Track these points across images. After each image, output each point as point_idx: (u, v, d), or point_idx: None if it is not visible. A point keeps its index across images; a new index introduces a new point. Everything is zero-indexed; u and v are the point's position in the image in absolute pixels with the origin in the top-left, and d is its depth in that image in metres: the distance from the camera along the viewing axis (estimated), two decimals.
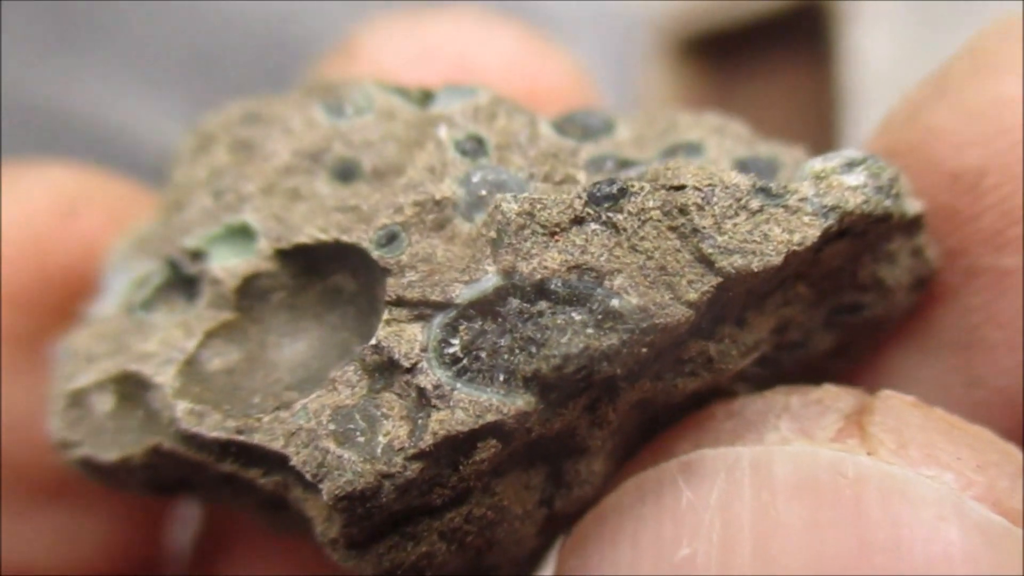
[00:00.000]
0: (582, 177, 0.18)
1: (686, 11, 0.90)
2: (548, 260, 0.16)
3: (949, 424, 0.17)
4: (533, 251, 0.16)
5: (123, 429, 0.18)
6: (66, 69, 0.99)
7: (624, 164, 0.18)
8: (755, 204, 0.16)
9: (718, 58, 0.91)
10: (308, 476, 0.16)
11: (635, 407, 0.18)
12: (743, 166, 0.18)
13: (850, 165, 0.17)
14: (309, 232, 0.18)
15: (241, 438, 0.17)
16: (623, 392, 0.17)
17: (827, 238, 0.17)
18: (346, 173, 0.19)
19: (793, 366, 0.20)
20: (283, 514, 0.20)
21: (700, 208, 0.16)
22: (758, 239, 0.16)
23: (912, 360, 0.20)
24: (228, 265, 0.19)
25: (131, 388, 0.19)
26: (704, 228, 0.16)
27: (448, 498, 0.17)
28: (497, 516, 0.17)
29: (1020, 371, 0.18)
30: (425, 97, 0.20)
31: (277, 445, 0.16)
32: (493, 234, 0.17)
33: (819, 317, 0.19)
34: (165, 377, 0.18)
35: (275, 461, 0.17)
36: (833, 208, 0.17)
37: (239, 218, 0.19)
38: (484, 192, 0.18)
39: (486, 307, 0.16)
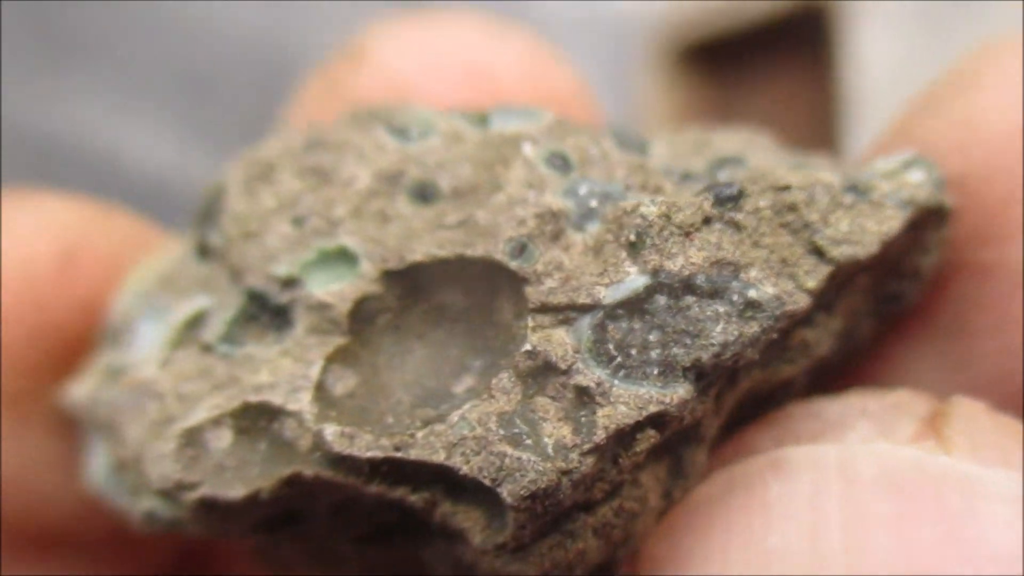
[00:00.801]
0: (668, 187, 0.19)
1: (683, 17, 0.90)
2: (692, 256, 0.17)
3: (1016, 429, 0.18)
4: (675, 250, 0.18)
5: (245, 464, 0.18)
6: (55, 91, 0.98)
7: (686, 176, 0.20)
8: (848, 200, 0.18)
9: (716, 64, 0.91)
10: (487, 482, 0.17)
11: (740, 396, 0.20)
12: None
13: (908, 164, 0.19)
14: (423, 250, 0.19)
15: (399, 455, 0.17)
16: (740, 380, 0.19)
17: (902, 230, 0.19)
18: (425, 194, 0.19)
19: (841, 356, 0.21)
20: (380, 547, 0.20)
21: (807, 205, 0.18)
22: (858, 231, 0.18)
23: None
24: (334, 290, 0.19)
25: (253, 420, 0.18)
26: (813, 222, 0.18)
27: (606, 492, 0.18)
28: (640, 508, 0.18)
29: (1003, 354, 0.20)
30: (481, 119, 0.21)
31: (438, 458, 0.17)
32: (632, 237, 0.18)
33: (869, 306, 0.21)
34: (300, 404, 0.18)
35: (426, 477, 0.17)
36: (909, 202, 0.19)
37: (335, 242, 0.19)
38: (594, 203, 0.19)
39: (633, 306, 0.17)
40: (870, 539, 0.16)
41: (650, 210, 0.18)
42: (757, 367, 0.19)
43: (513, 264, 0.18)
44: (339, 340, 0.18)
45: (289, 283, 0.19)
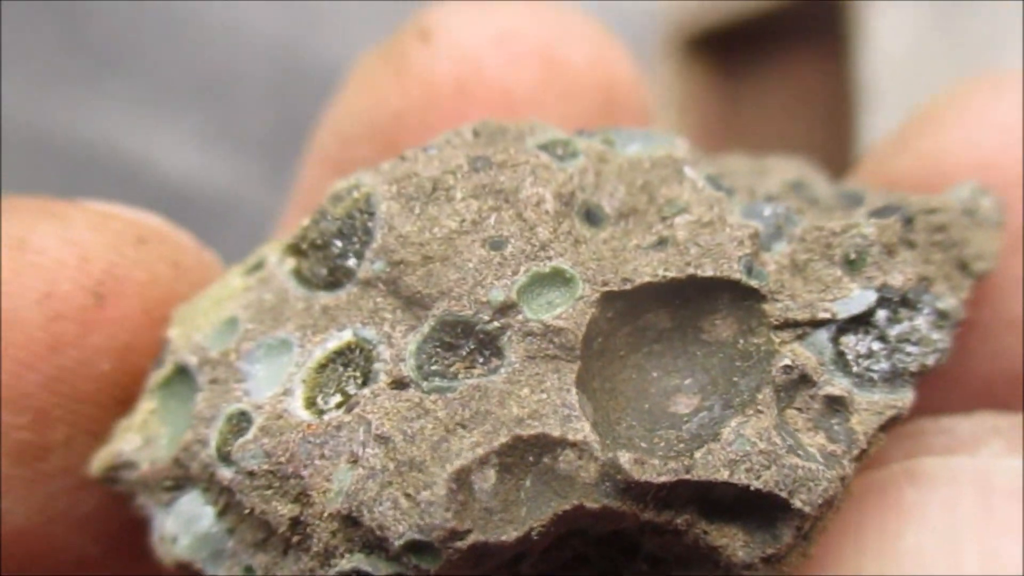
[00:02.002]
0: (811, 210, 0.21)
1: (694, 7, 0.90)
2: (908, 272, 0.19)
3: None
4: (890, 267, 0.19)
5: (511, 504, 0.17)
6: (88, 100, 1.01)
7: (770, 197, 0.21)
8: (968, 222, 0.20)
9: (726, 54, 0.91)
10: (783, 494, 0.17)
11: None
12: (850, 198, 0.21)
13: (976, 191, 0.21)
14: (649, 271, 0.18)
15: (688, 477, 0.17)
16: None
17: None
18: (591, 216, 0.19)
19: None
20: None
21: (953, 226, 0.20)
22: (985, 248, 0.20)
23: None
24: (563, 313, 0.18)
25: (520, 456, 0.17)
26: (958, 241, 0.20)
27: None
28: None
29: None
30: (608, 140, 0.21)
31: (721, 476, 0.17)
32: (852, 255, 0.19)
33: None
34: (582, 434, 0.17)
35: (684, 499, 0.17)
36: (998, 222, 0.20)
37: (549, 265, 0.18)
38: (781, 224, 0.19)
39: (860, 319, 0.18)
40: (1003, 547, 0.18)
41: (869, 231, 0.19)
42: None
43: (753, 283, 0.18)
44: (574, 365, 0.18)
45: (504, 308, 0.18)
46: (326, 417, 0.18)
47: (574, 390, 0.17)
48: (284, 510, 0.18)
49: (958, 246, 0.20)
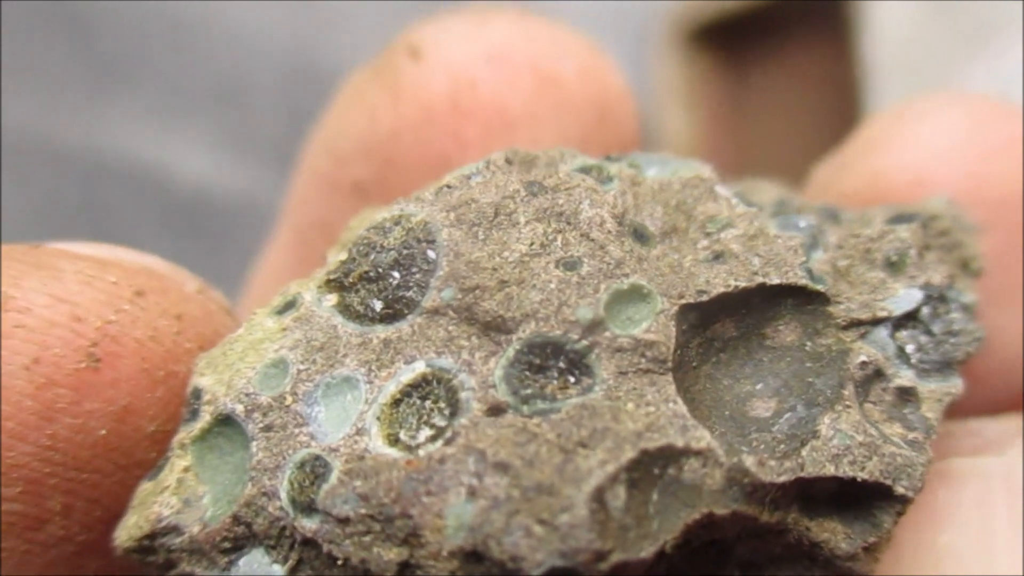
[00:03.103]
0: (829, 228, 0.22)
1: None
2: (943, 271, 0.20)
3: None
4: (925, 267, 0.20)
5: (642, 519, 0.17)
6: (98, 110, 1.02)
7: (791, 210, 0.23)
8: (958, 226, 0.22)
9: (731, 46, 0.91)
10: (887, 482, 0.18)
11: None
12: (828, 212, 0.22)
13: (952, 202, 0.22)
14: (722, 282, 0.19)
15: (803, 474, 0.18)
16: None
17: None
18: (640, 236, 0.20)
19: None
20: None
21: (953, 230, 0.21)
22: (977, 250, 0.22)
23: None
24: (654, 327, 0.18)
25: (645, 470, 0.17)
26: (958, 243, 0.21)
27: None
28: None
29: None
30: (633, 164, 0.21)
31: (830, 471, 0.18)
32: (894, 258, 0.20)
33: None
34: (705, 442, 0.17)
35: (790, 497, 0.18)
36: (976, 227, 0.22)
37: (628, 282, 0.18)
38: (816, 234, 0.21)
39: (909, 316, 0.20)
40: None
41: (906, 235, 0.21)
42: None
43: (819, 287, 0.20)
44: (668, 377, 0.18)
45: (592, 327, 0.18)
46: (421, 452, 0.17)
47: (680, 400, 0.18)
48: (390, 555, 0.17)
49: (959, 248, 0.21)
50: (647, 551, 0.17)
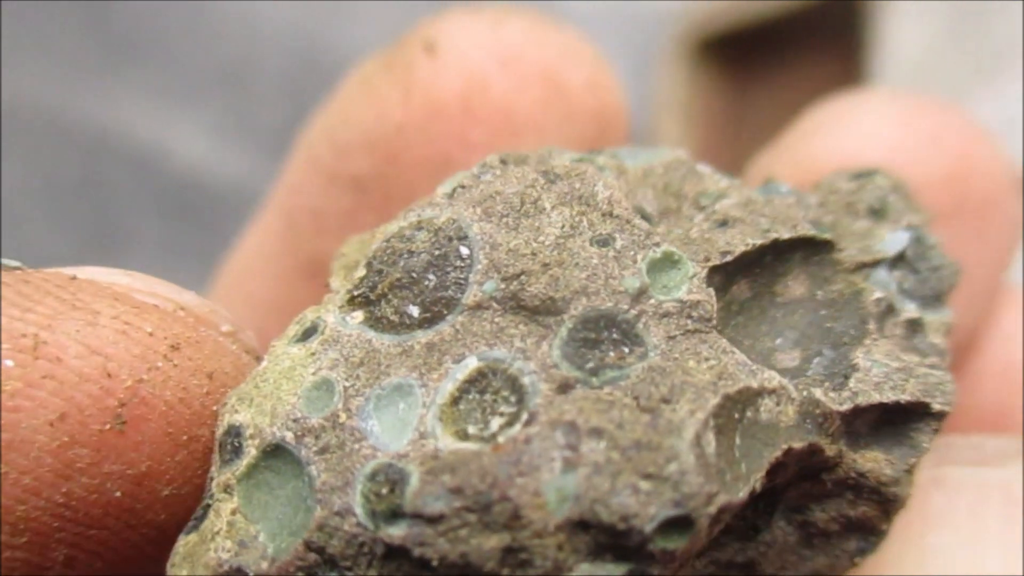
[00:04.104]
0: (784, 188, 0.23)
1: (705, 10, 0.90)
2: (921, 212, 0.22)
3: None
4: (903, 210, 0.22)
5: (732, 462, 0.18)
6: (104, 88, 1.02)
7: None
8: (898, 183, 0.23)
9: (737, 58, 0.91)
10: (927, 400, 0.19)
11: None
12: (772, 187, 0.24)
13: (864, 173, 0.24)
14: (741, 242, 0.20)
15: (858, 402, 0.19)
16: None
17: None
18: (644, 216, 0.20)
19: None
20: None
21: (903, 182, 0.23)
22: (919, 204, 0.23)
23: None
24: (695, 288, 0.19)
25: (728, 415, 0.18)
26: (909, 194, 0.23)
27: None
28: None
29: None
30: (614, 156, 0.22)
31: (876, 399, 0.19)
32: (877, 205, 0.22)
33: None
34: (776, 380, 0.18)
35: (840, 432, 0.19)
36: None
37: (660, 250, 0.19)
38: (799, 197, 0.22)
39: (899, 256, 0.21)
40: None
41: (884, 183, 0.22)
42: None
43: (827, 235, 0.21)
44: (714, 335, 0.19)
45: (639, 295, 0.18)
46: (501, 439, 0.17)
47: (737, 350, 0.18)
48: (491, 542, 0.16)
49: (883, 201, 0.23)
50: (744, 491, 0.17)
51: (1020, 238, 0.27)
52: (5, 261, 0.18)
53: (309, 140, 0.27)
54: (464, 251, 0.19)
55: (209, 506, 0.18)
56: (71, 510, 0.17)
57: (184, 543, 0.18)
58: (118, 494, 0.17)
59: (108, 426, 0.17)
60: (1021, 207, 0.26)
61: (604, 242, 0.19)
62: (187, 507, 0.19)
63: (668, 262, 0.19)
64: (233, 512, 0.18)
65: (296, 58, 1.05)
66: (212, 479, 0.18)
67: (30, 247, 0.98)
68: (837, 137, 0.25)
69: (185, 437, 0.18)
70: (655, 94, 0.93)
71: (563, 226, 0.19)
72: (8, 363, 0.16)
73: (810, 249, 0.20)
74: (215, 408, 0.19)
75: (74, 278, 0.18)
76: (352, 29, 1.04)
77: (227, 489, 0.18)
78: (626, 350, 0.18)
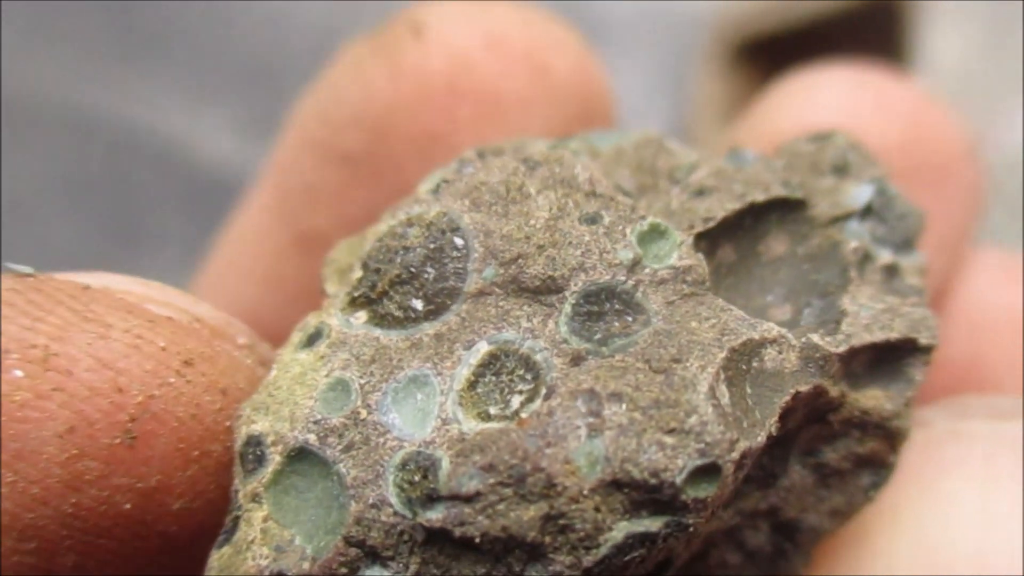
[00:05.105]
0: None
1: (740, 13, 0.89)
2: (881, 165, 0.23)
3: None
4: (864, 165, 0.22)
5: (746, 410, 0.18)
6: (129, 81, 1.02)
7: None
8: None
9: (775, 60, 0.90)
10: (912, 335, 0.20)
11: None
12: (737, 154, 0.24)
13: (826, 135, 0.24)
14: (721, 208, 0.20)
15: (852, 343, 0.19)
16: None
17: None
18: (623, 191, 0.21)
19: None
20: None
21: (860, 142, 0.23)
22: (874, 159, 0.24)
23: None
24: (685, 254, 0.19)
25: (736, 367, 0.18)
26: (875, 176, 0.23)
27: None
28: None
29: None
30: (585, 140, 0.23)
31: (871, 338, 0.20)
32: (840, 163, 0.22)
33: None
34: (775, 331, 0.19)
35: (840, 374, 0.20)
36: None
37: (646, 223, 0.20)
38: (765, 163, 0.22)
39: (866, 208, 0.22)
40: None
41: (842, 141, 0.23)
42: None
43: (798, 194, 0.21)
44: (710, 296, 0.19)
45: (633, 266, 0.19)
46: (524, 414, 0.17)
47: (733, 308, 0.19)
48: (531, 512, 0.17)
49: (869, 154, 0.23)
50: (761, 436, 0.18)
51: (979, 204, 0.27)
52: (17, 267, 0.18)
53: (300, 119, 0.27)
54: (459, 241, 0.19)
55: (239, 517, 0.18)
56: (80, 520, 0.17)
57: (218, 556, 0.18)
58: (127, 506, 0.17)
59: (118, 440, 0.17)
60: (977, 173, 0.27)
61: (592, 220, 0.20)
62: (199, 520, 0.19)
63: (656, 233, 0.20)
64: (265, 520, 0.18)
65: (321, 55, 1.04)
66: (237, 491, 0.18)
67: (53, 244, 0.98)
68: (797, 110, 0.27)
69: (196, 452, 0.18)
70: (693, 96, 0.92)
71: (551, 208, 0.20)
72: (18, 373, 0.16)
73: (785, 209, 0.21)
74: (228, 424, 0.18)
75: (87, 288, 0.18)
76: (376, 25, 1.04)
77: (255, 498, 0.18)
78: (629, 319, 0.19)
